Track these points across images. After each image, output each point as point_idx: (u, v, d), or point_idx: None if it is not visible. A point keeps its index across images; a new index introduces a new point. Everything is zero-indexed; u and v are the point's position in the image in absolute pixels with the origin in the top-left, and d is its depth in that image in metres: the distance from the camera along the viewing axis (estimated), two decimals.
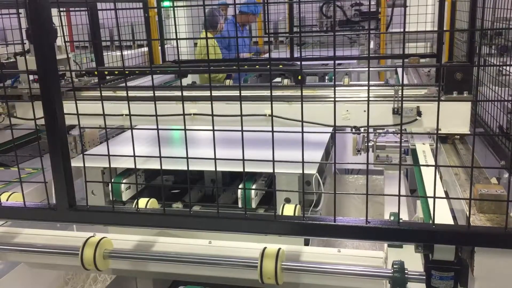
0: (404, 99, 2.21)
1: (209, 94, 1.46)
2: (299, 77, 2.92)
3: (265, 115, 2.31)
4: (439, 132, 2.28)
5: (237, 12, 6.13)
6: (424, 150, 2.36)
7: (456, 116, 2.19)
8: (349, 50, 6.30)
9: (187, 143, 1.47)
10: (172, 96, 2.54)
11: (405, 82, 3.23)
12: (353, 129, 2.28)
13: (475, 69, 3.24)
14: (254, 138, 1.51)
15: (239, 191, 2.35)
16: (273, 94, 2.43)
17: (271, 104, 1.43)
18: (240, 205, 2.39)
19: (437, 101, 1.34)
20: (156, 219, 1.65)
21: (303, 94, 2.47)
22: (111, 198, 2.50)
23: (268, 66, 3.61)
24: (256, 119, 2.31)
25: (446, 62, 2.47)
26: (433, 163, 2.16)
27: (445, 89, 2.21)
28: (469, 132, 2.23)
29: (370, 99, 2.33)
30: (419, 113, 2.22)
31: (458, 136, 2.32)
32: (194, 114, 2.40)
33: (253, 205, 2.38)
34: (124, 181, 2.50)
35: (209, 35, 5.82)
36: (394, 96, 2.26)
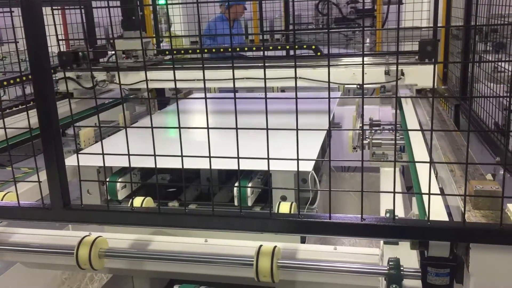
0: (392, 63, 3.24)
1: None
2: (319, 54, 3.81)
3: (292, 77, 2.79)
4: (416, 87, 3.22)
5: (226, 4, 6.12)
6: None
7: (426, 76, 3.02)
8: (345, 49, 6.30)
9: (182, 140, 1.46)
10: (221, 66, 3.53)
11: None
12: (358, 86, 3.19)
13: (470, 65, 3.31)
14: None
15: (235, 189, 2.35)
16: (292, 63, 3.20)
17: (266, 103, 1.42)
18: (236, 203, 2.38)
19: (432, 97, 1.34)
20: (151, 218, 1.64)
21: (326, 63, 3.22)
22: (106, 197, 2.48)
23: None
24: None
25: (421, 40, 3.19)
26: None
27: (419, 57, 3.08)
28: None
29: (368, 65, 3.36)
30: (402, 74, 3.07)
31: (429, 89, 3.23)
32: (246, 78, 3.28)
33: (249, 203, 2.37)
34: (119, 180, 2.49)
35: None
36: (385, 63, 3.20)
